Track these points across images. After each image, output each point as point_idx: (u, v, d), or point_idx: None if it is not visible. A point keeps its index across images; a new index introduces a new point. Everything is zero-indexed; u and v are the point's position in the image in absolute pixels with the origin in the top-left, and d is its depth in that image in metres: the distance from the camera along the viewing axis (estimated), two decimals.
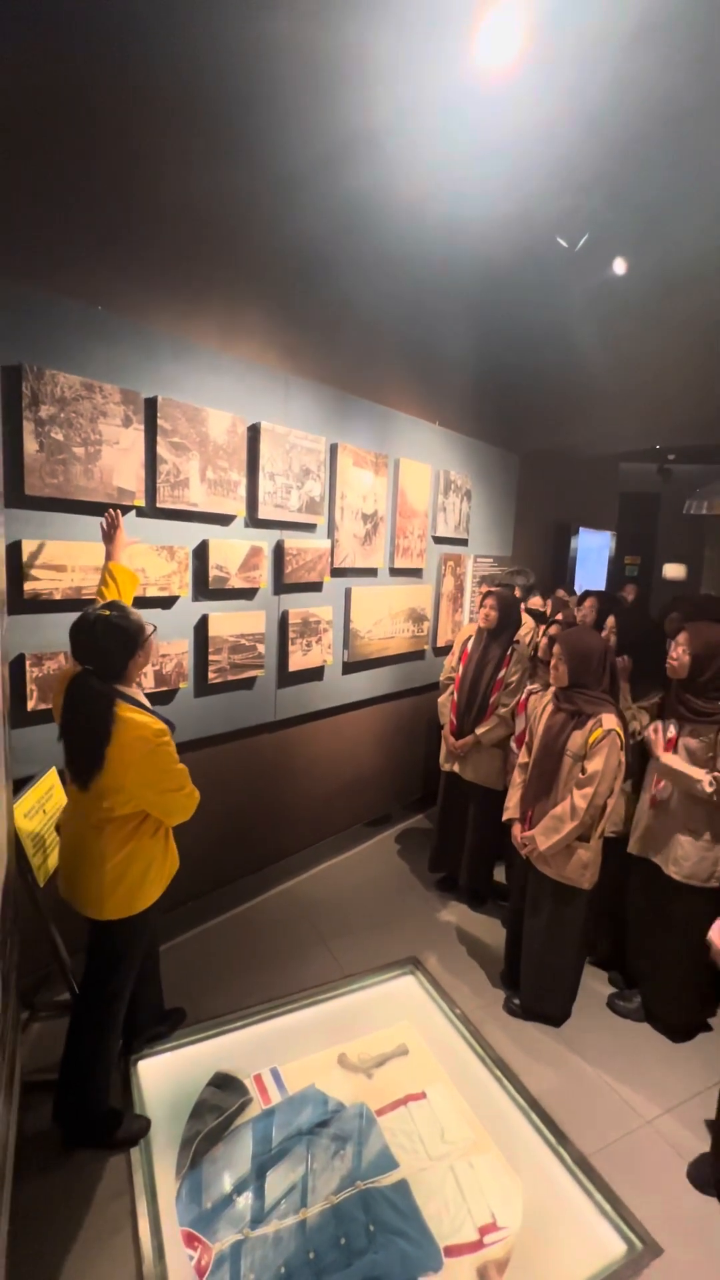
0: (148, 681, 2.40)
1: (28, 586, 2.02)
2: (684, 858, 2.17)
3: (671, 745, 2.23)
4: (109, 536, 2.04)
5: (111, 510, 2.06)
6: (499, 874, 3.22)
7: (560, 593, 4.23)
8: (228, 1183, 1.79)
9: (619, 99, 2.00)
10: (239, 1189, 1.78)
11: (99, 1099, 1.84)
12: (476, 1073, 2.20)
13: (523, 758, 2.44)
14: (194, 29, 1.79)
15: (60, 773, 2.09)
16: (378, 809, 3.89)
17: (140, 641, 1.69)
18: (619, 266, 2.76)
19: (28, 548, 2.01)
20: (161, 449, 2.32)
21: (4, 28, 1.70)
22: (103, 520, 2.06)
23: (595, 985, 2.59)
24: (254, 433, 2.67)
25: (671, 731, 2.24)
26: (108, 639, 1.65)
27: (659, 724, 2.28)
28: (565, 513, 5.93)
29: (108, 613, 1.66)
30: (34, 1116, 1.87)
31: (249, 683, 2.84)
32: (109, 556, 2.03)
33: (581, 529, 6.12)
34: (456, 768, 3.04)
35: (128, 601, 1.96)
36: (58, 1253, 1.58)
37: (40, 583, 2.05)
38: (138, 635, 1.68)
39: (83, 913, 1.74)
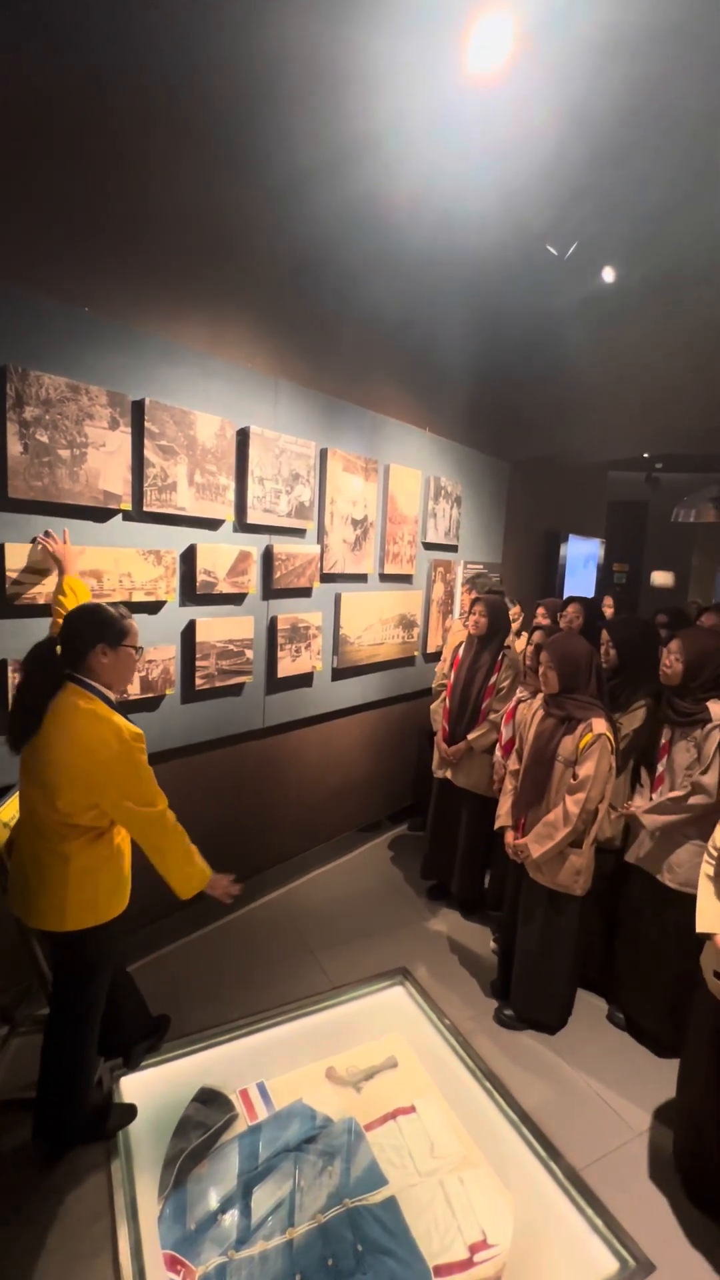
0: (133, 688, 2.36)
1: (11, 591, 1.99)
2: (679, 864, 2.16)
3: (664, 752, 2.24)
4: (55, 557, 2.02)
5: (45, 534, 2.04)
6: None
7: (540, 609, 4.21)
8: (212, 1202, 1.74)
9: (613, 106, 2.01)
10: (224, 1208, 1.73)
11: (80, 1108, 1.80)
12: (467, 1085, 2.17)
13: (513, 765, 2.42)
14: (185, 33, 1.78)
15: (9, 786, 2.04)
16: (368, 816, 3.86)
17: (117, 638, 1.65)
18: (610, 275, 2.77)
19: (11, 552, 1.98)
20: (149, 452, 2.30)
21: None
22: (38, 545, 2.02)
23: (590, 998, 2.57)
24: (243, 437, 2.65)
25: (664, 738, 2.25)
26: (81, 620, 1.65)
27: (635, 800, 2.31)
28: (554, 520, 5.96)
29: (106, 604, 1.69)
30: (10, 1135, 1.81)
31: (237, 689, 2.81)
32: (62, 573, 2.01)
33: (571, 536, 6.16)
34: (448, 774, 3.02)
35: None
36: (34, 1276, 1.52)
37: (24, 587, 2.01)
38: (120, 632, 1.65)
39: (39, 926, 1.68)
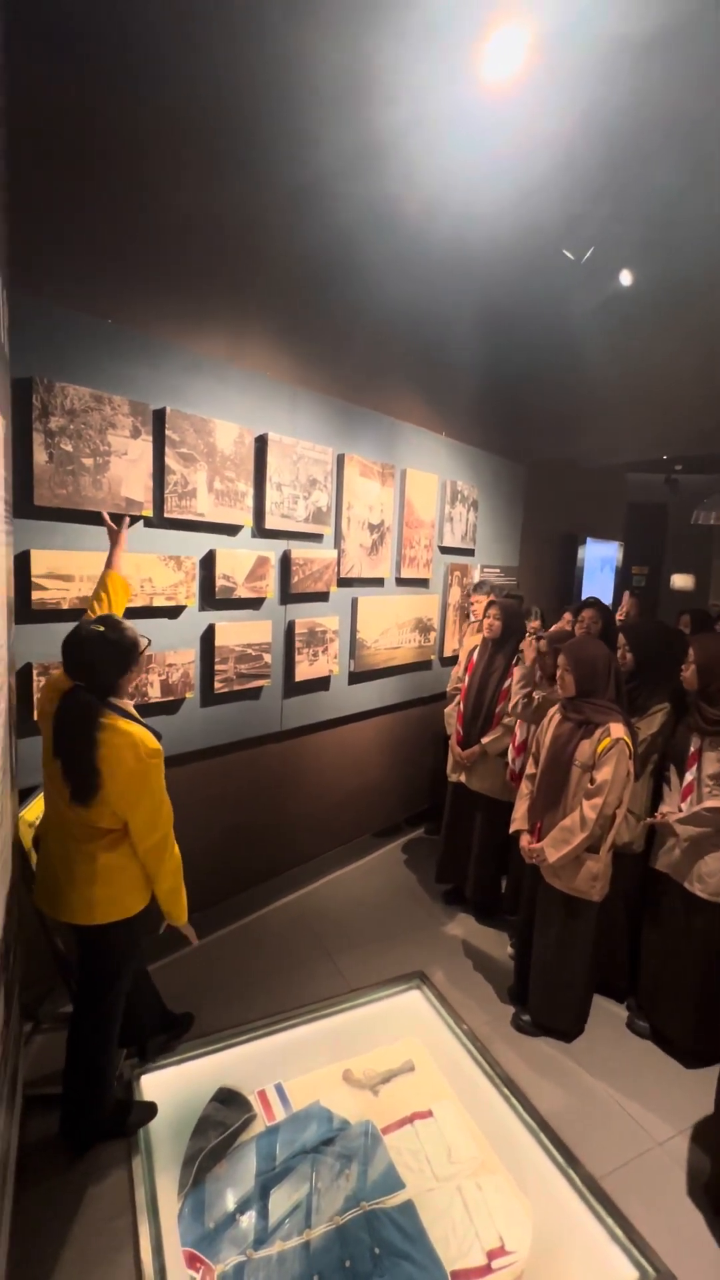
0: (154, 691, 2.40)
1: (35, 596, 2.04)
2: (709, 874, 2.13)
3: (694, 760, 2.21)
4: (114, 539, 2.02)
5: (110, 515, 2.06)
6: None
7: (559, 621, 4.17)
8: (231, 1202, 1.75)
9: (626, 111, 2.01)
10: (242, 1208, 1.75)
11: (104, 1104, 1.84)
12: (484, 1091, 2.16)
13: (530, 768, 2.42)
14: (201, 47, 1.82)
15: (34, 787, 2.08)
16: (384, 820, 3.87)
17: (134, 658, 1.68)
18: (626, 278, 2.77)
19: (36, 558, 2.03)
20: (169, 460, 2.34)
21: (16, 47, 1.74)
22: (109, 522, 2.04)
23: (609, 1005, 2.55)
24: (261, 443, 2.68)
25: (693, 746, 2.22)
26: (101, 654, 1.63)
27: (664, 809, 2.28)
28: (572, 523, 5.93)
29: (101, 628, 1.64)
30: (36, 1130, 1.85)
31: (255, 693, 2.84)
32: (109, 564, 2.00)
33: (589, 539, 6.11)
34: (463, 778, 3.02)
35: (119, 613, 1.94)
36: (58, 1271, 1.55)
37: (48, 592, 2.06)
38: (131, 651, 1.67)
39: (68, 920, 1.71)
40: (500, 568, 4.55)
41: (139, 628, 2.24)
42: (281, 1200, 1.78)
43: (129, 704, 1.73)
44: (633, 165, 2.25)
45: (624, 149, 2.14)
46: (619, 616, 3.39)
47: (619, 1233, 1.70)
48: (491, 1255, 1.68)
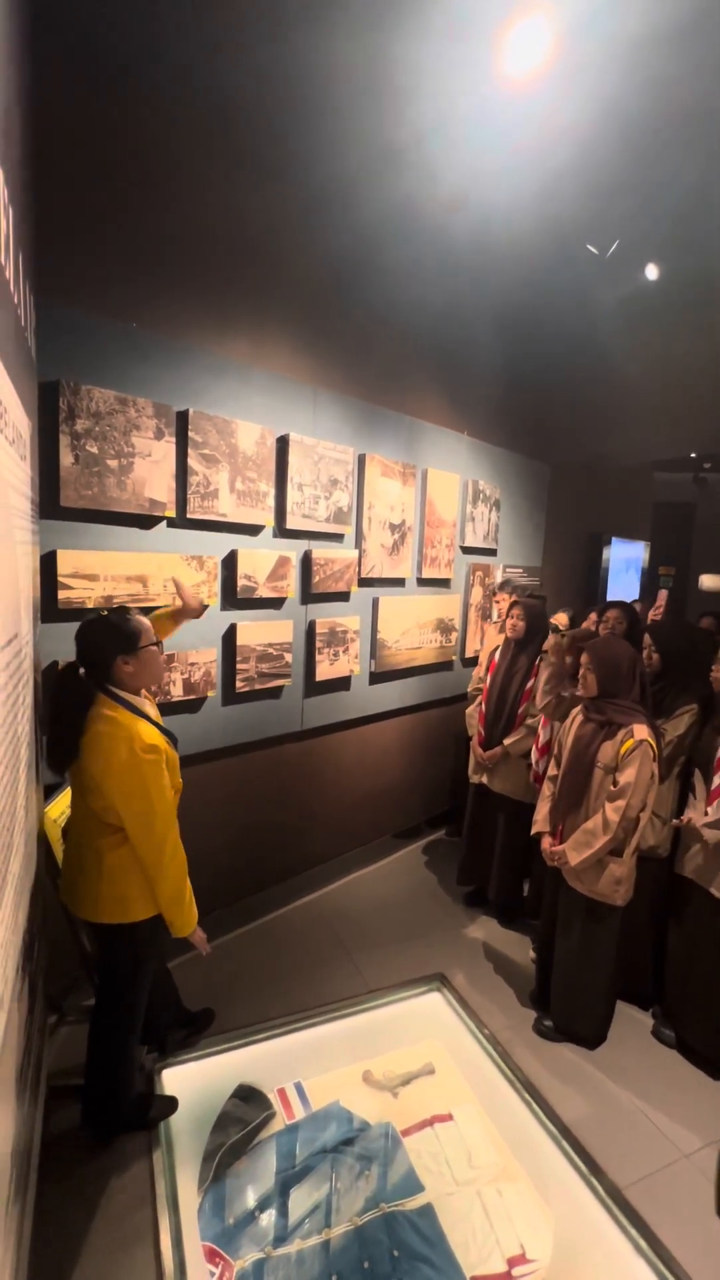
0: (176, 690, 2.43)
1: (62, 595, 2.07)
2: None
3: None
4: (184, 599, 2.09)
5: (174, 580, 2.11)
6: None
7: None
8: (251, 1199, 1.76)
9: (649, 104, 1.98)
10: (262, 1206, 1.75)
11: (125, 1098, 1.86)
12: (505, 1096, 2.14)
13: (552, 770, 2.38)
14: (222, 52, 1.85)
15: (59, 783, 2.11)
16: (405, 821, 3.85)
17: (131, 645, 1.66)
18: (651, 272, 2.72)
19: (63, 558, 2.06)
20: (192, 461, 2.37)
21: (43, 56, 1.78)
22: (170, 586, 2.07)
23: (634, 1012, 2.50)
24: (282, 444, 2.70)
25: None
26: (99, 634, 1.65)
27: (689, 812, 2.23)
28: (597, 523, 5.84)
29: (106, 612, 1.69)
30: (60, 1120, 1.88)
31: (276, 692, 2.85)
32: (180, 616, 2.10)
33: (614, 539, 6.02)
34: (485, 779, 2.99)
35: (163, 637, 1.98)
36: (79, 1259, 1.58)
37: (74, 591, 2.10)
38: (130, 637, 1.66)
39: (78, 914, 1.73)
40: (523, 567, 4.50)
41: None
42: (301, 1199, 1.78)
43: (144, 702, 1.73)
44: (656, 159, 2.22)
45: (647, 143, 2.11)
46: (653, 614, 3.32)
47: (643, 1245, 1.66)
48: (512, 1263, 1.66)
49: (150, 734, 1.62)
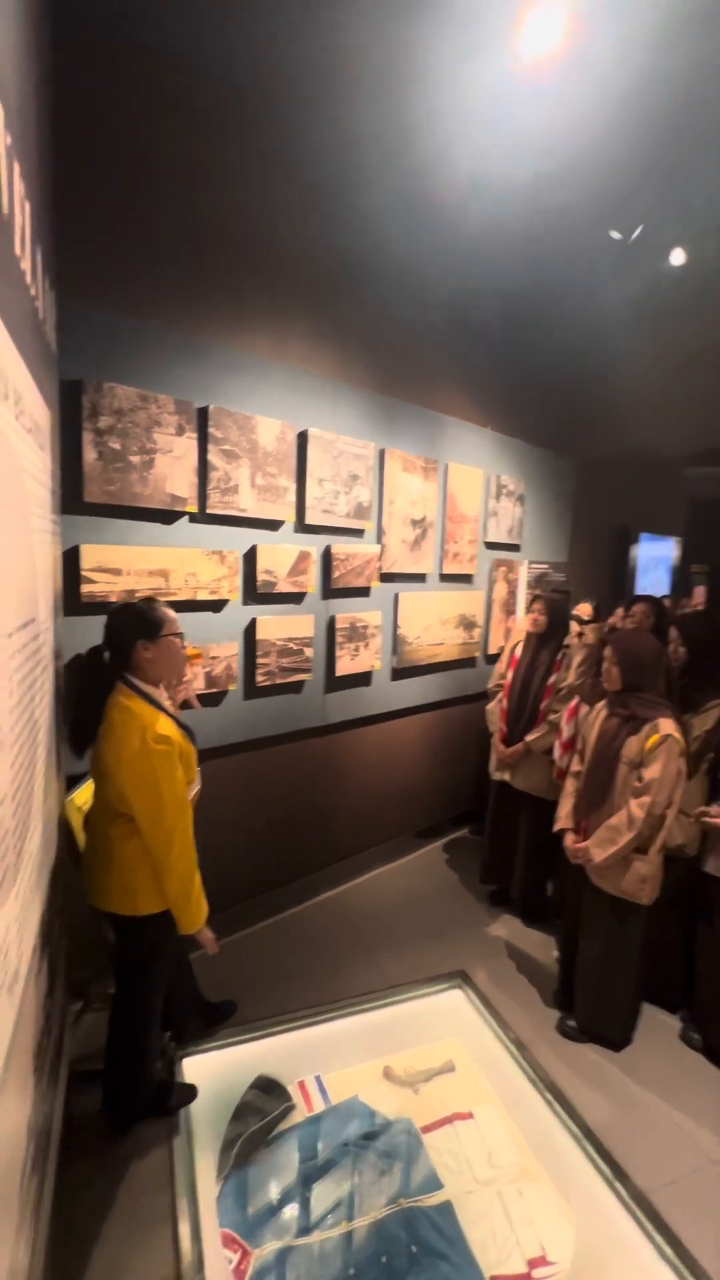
0: (198, 683, 2.46)
1: (84, 589, 2.12)
2: None
3: None
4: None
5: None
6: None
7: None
8: (271, 1189, 1.76)
9: (669, 90, 1.94)
10: (282, 1197, 1.75)
11: (145, 1086, 1.88)
12: (527, 1095, 2.10)
13: (575, 766, 2.34)
14: (241, 46, 1.86)
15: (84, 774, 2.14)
16: (427, 818, 3.83)
17: (154, 631, 1.68)
18: (676, 257, 2.65)
19: (86, 552, 2.11)
20: (213, 456, 2.39)
21: (62, 54, 1.82)
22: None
23: (662, 1015, 2.44)
24: (302, 439, 2.71)
25: None
26: (122, 618, 1.69)
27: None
28: (625, 518, 5.72)
29: (136, 600, 1.73)
30: (84, 1103, 1.91)
31: (297, 686, 2.86)
32: None
33: (643, 535, 5.89)
34: (507, 776, 2.96)
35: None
36: (99, 1237, 1.60)
37: (97, 585, 2.14)
38: (155, 624, 1.68)
39: (92, 901, 1.75)
40: (549, 563, 4.44)
41: (187, 621, 2.32)
42: (322, 1192, 1.78)
43: (162, 695, 1.74)
44: (681, 142, 2.16)
45: (668, 128, 2.05)
46: (647, 623, 3.21)
47: (668, 1250, 1.61)
48: (533, 1264, 1.63)
49: (164, 725, 1.63)
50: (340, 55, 1.86)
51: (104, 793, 1.67)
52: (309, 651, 2.84)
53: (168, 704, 1.75)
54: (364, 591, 3.09)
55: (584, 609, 3.69)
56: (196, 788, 1.85)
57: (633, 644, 2.11)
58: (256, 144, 2.22)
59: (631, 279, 2.84)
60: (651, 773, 1.99)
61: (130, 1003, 1.83)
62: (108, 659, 1.70)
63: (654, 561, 6.40)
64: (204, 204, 2.32)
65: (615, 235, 2.46)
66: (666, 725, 2.00)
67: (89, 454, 2.08)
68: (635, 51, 1.80)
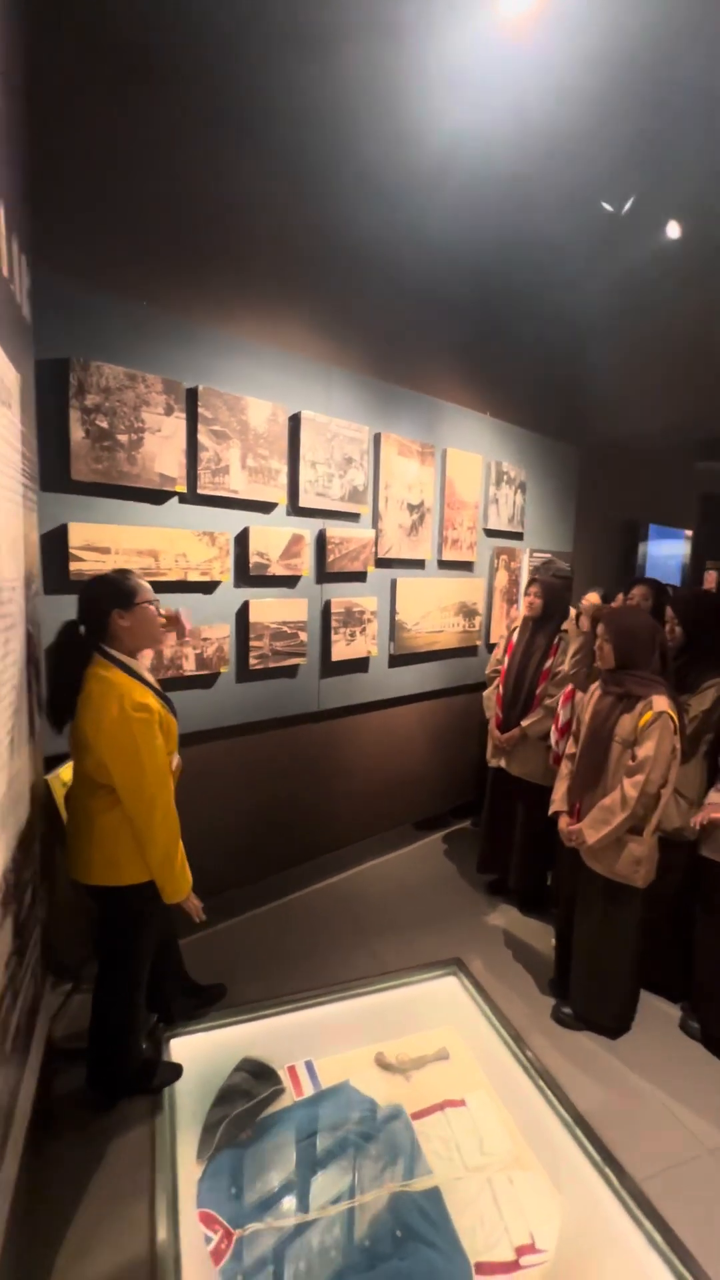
0: (189, 664, 2.45)
1: (73, 567, 2.11)
2: None
3: None
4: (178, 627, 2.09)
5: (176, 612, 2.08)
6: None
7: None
8: (255, 1171, 1.74)
9: (659, 51, 1.89)
10: (267, 1179, 1.73)
11: (128, 1062, 1.87)
12: (520, 1083, 2.06)
13: (570, 748, 2.30)
14: (228, 20, 1.85)
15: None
16: (427, 809, 3.78)
17: (129, 600, 1.68)
18: (672, 231, 2.59)
19: (74, 530, 2.11)
20: (202, 437, 2.38)
21: (42, 27, 1.82)
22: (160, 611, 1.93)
23: (662, 1004, 2.38)
24: (295, 422, 2.69)
25: None
26: (96, 589, 1.69)
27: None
28: (633, 509, 5.63)
29: (107, 572, 1.73)
30: (68, 1080, 1.90)
31: (291, 670, 2.84)
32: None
33: (652, 527, 5.80)
34: (503, 763, 2.91)
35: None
36: (75, 1213, 1.59)
37: (85, 564, 2.14)
38: (129, 593, 1.69)
39: (73, 875, 1.74)
40: (552, 553, 4.38)
41: (177, 602, 2.32)
42: (305, 1175, 1.75)
43: (140, 664, 1.74)
44: (670, 107, 2.11)
45: (657, 89, 2.00)
46: (645, 605, 3.15)
47: (659, 1239, 1.56)
48: (521, 1251, 1.59)
49: (142, 693, 1.63)
50: (333, 32, 1.84)
51: (83, 765, 1.67)
52: (303, 636, 2.82)
53: (146, 674, 1.75)
54: (360, 576, 3.07)
55: (591, 598, 3.62)
56: (177, 760, 1.84)
57: (625, 620, 2.07)
58: (247, 126, 2.21)
59: (625, 256, 2.78)
60: (644, 751, 1.94)
61: (114, 975, 1.81)
62: (83, 632, 1.70)
63: (664, 556, 6.30)
64: (195, 185, 2.32)
65: (607, 207, 2.41)
66: (660, 702, 1.95)
67: (76, 432, 2.08)
68: (627, 9, 1.76)
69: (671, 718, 1.94)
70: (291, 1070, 2.08)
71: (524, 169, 2.36)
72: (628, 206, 2.40)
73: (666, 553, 6.37)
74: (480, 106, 2.11)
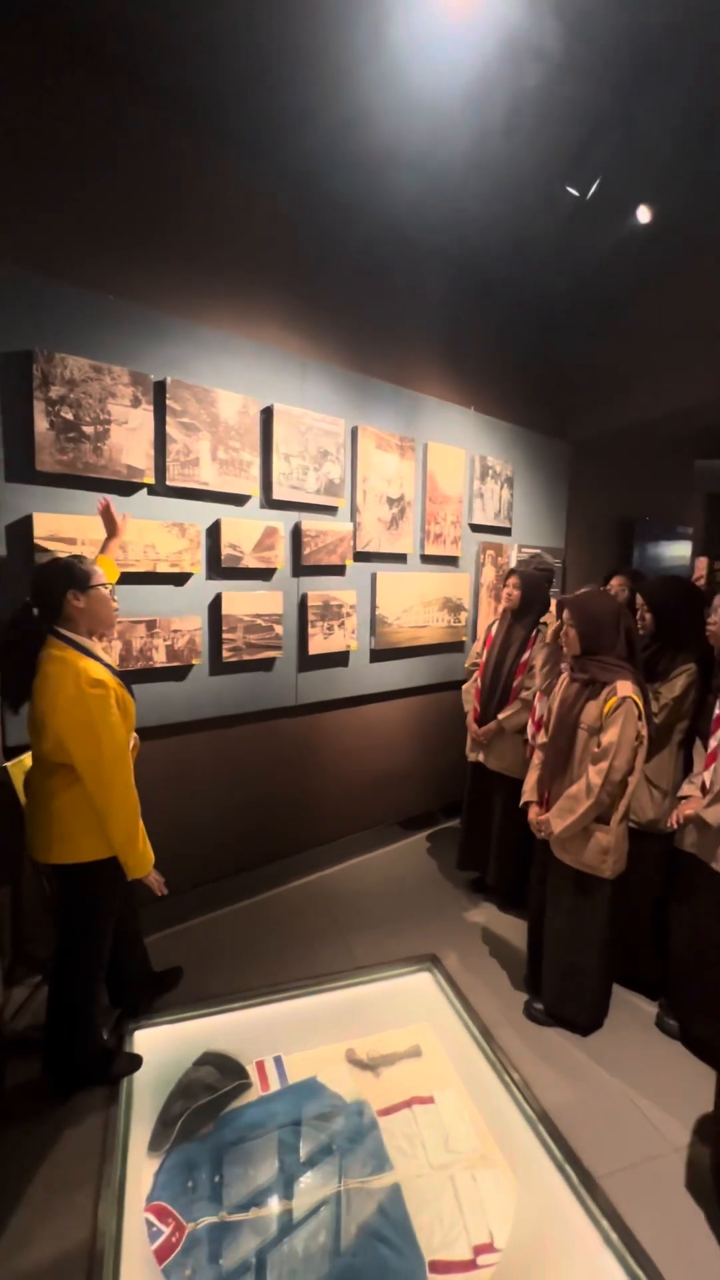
0: (159, 655, 2.45)
1: (38, 558, 2.12)
2: None
3: (718, 726, 1.99)
4: (110, 530, 2.11)
5: (105, 500, 2.13)
6: None
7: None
8: (212, 1164, 1.72)
9: (626, 28, 1.87)
10: (225, 1173, 1.71)
11: (86, 1048, 1.86)
12: (489, 1080, 2.02)
13: (541, 738, 2.26)
14: (185, 17, 1.87)
15: None
16: (413, 807, 3.74)
17: (83, 582, 1.70)
18: (642, 215, 2.56)
19: (39, 520, 2.12)
20: (171, 429, 2.39)
21: (10, 27, 1.85)
22: (112, 514, 2.12)
23: (639, 1001, 2.32)
24: (267, 415, 2.69)
25: (717, 711, 2.00)
26: (52, 572, 1.70)
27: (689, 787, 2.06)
28: (627, 506, 5.56)
29: (60, 556, 1.75)
30: (24, 1070, 1.89)
31: (267, 664, 2.83)
32: (103, 549, 2.10)
33: (652, 525, 5.72)
34: (481, 757, 2.87)
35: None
36: (18, 1203, 1.58)
37: (50, 555, 2.14)
38: (83, 575, 1.71)
39: (32, 855, 1.75)
40: (541, 549, 4.34)
41: (146, 593, 2.32)
42: (264, 1168, 1.73)
43: (95, 645, 1.75)
44: (639, 86, 2.08)
45: (626, 68, 1.98)
46: (622, 595, 3.10)
47: (614, 1237, 1.51)
48: (479, 1250, 1.56)
49: (97, 670, 1.64)
50: (299, 18, 1.83)
51: (41, 746, 1.68)
52: (279, 629, 2.81)
53: (102, 653, 1.75)
54: (338, 570, 3.05)
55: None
56: (135, 739, 1.84)
57: (588, 605, 2.03)
58: (214, 114, 2.23)
59: (626, 241, 2.71)
60: (609, 737, 1.90)
61: (72, 956, 1.81)
62: (37, 614, 1.71)
63: (662, 555, 6.21)
64: (160, 174, 2.33)
65: (573, 192, 2.39)
66: (624, 688, 1.92)
67: (40, 423, 2.09)
68: None
69: (636, 703, 1.90)
70: (260, 1065, 2.06)
71: (502, 152, 2.33)
72: (591, 191, 2.37)
73: (666, 552, 6.28)
74: (447, 94, 2.10)
